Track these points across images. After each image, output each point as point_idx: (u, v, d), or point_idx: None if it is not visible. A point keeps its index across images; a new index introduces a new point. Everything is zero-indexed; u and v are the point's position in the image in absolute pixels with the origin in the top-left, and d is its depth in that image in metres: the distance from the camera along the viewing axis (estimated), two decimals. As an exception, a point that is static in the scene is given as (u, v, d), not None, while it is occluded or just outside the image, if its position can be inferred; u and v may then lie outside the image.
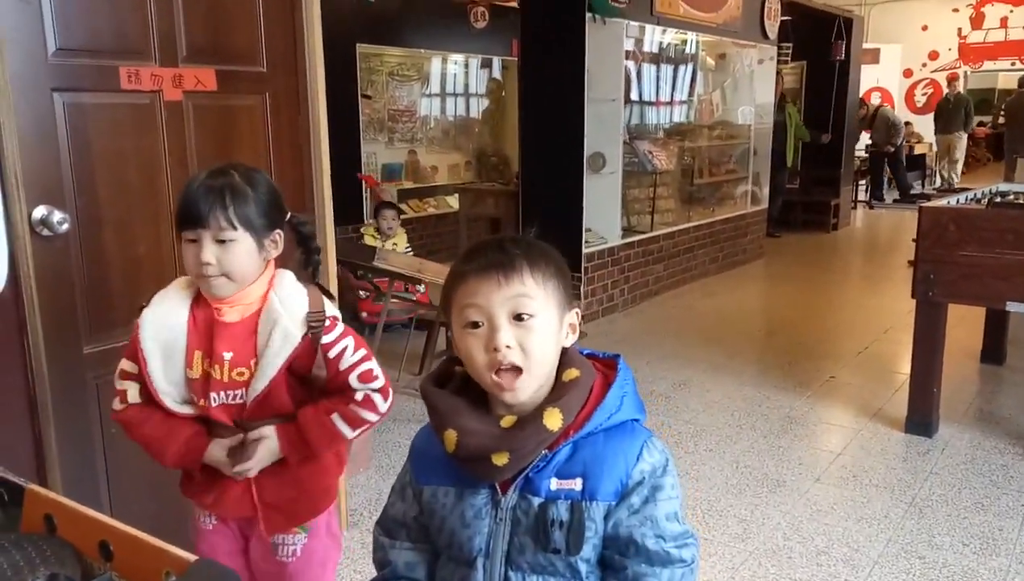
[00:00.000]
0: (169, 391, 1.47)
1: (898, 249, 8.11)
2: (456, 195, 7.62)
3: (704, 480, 3.23)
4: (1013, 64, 13.90)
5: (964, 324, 4.86)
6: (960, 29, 14.28)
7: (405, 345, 4.50)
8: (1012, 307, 3.40)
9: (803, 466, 3.36)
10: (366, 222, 5.49)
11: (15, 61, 1.83)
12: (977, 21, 14.14)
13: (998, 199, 3.87)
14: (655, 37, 6.48)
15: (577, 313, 1.10)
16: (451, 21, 7.72)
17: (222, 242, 1.40)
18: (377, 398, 1.53)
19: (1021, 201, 3.74)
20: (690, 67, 7.14)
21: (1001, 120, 13.12)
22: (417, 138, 7.96)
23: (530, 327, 1.03)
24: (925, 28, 14.41)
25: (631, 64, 6.14)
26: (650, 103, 6.72)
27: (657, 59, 6.66)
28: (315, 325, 1.47)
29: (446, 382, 1.12)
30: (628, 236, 6.09)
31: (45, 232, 1.91)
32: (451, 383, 1.11)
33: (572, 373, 1.07)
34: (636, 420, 1.09)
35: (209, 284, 1.43)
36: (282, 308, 1.46)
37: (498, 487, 1.06)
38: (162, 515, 1.83)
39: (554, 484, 1.04)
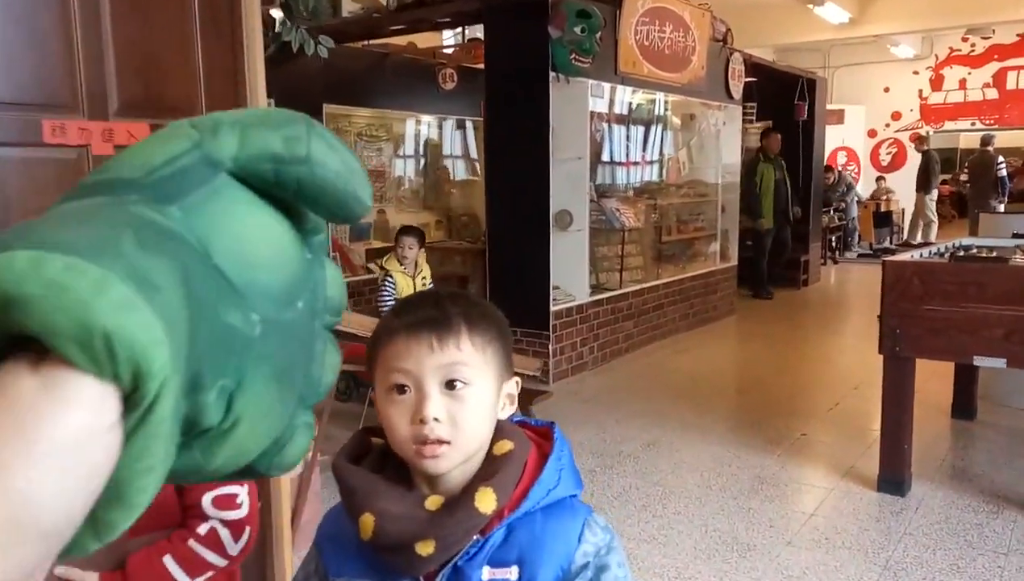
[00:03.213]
0: None
1: (867, 304, 8.12)
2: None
3: (672, 545, 3.10)
4: (973, 124, 14.27)
5: (936, 379, 4.81)
6: (921, 91, 14.68)
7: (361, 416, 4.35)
8: (979, 361, 3.35)
9: (774, 528, 3.24)
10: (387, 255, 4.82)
11: (-71, 113, 1.74)
12: (936, 83, 14.55)
13: (960, 253, 3.86)
14: (622, 97, 6.54)
15: (517, 382, 0.99)
16: (419, 83, 7.76)
17: None
18: (225, 534, 1.27)
19: (983, 254, 3.72)
20: (657, 126, 7.21)
21: (964, 177, 13.40)
22: (387, 198, 7.93)
23: (463, 397, 0.91)
24: (887, 90, 14.80)
25: (598, 123, 6.17)
26: (618, 162, 6.76)
27: (624, 119, 6.72)
28: None
29: (362, 456, 0.99)
30: (597, 293, 6.03)
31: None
32: (368, 457, 0.99)
33: (505, 445, 0.95)
34: (573, 496, 0.98)
35: None
36: None
37: (422, 578, 0.94)
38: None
39: (486, 574, 0.92)
